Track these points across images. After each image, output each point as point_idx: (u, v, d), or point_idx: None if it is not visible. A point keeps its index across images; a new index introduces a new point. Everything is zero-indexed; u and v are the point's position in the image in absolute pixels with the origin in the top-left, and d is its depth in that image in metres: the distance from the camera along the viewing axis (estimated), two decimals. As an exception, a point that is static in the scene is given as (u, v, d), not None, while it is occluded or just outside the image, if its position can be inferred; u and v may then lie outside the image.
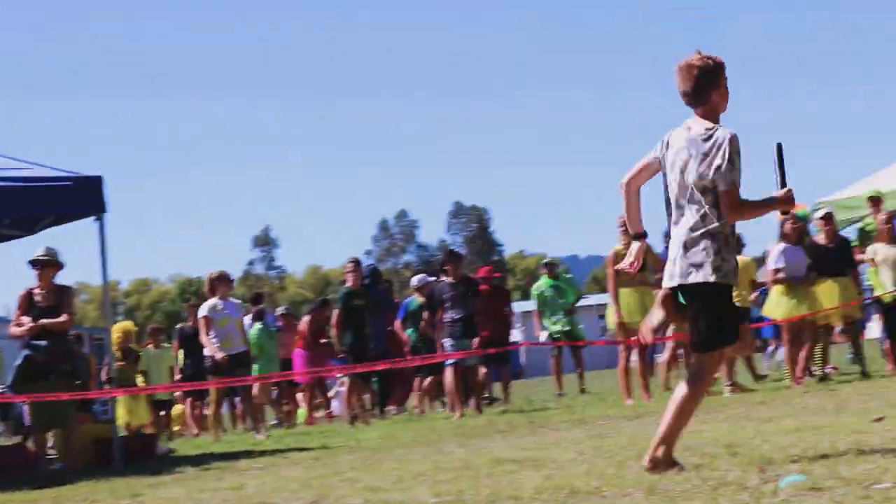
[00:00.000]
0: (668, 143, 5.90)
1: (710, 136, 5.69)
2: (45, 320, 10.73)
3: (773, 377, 16.33)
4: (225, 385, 14.12)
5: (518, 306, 46.99)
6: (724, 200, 5.63)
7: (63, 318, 10.83)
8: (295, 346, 18.17)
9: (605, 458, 6.64)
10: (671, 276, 5.76)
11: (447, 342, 14.39)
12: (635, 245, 6.13)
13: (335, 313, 15.58)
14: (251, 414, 15.60)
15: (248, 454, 10.64)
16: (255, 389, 15.86)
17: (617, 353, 14.34)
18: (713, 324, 5.66)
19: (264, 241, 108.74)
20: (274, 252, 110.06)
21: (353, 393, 15.33)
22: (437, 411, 16.67)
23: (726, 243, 5.69)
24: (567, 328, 17.96)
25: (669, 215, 5.91)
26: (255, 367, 16.07)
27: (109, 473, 9.64)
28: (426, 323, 15.37)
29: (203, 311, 14.24)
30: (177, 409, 19.08)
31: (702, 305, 5.68)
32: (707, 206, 5.67)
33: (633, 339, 13.33)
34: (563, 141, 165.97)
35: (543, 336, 19.22)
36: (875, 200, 14.90)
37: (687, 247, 5.68)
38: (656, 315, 6.41)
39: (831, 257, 13.71)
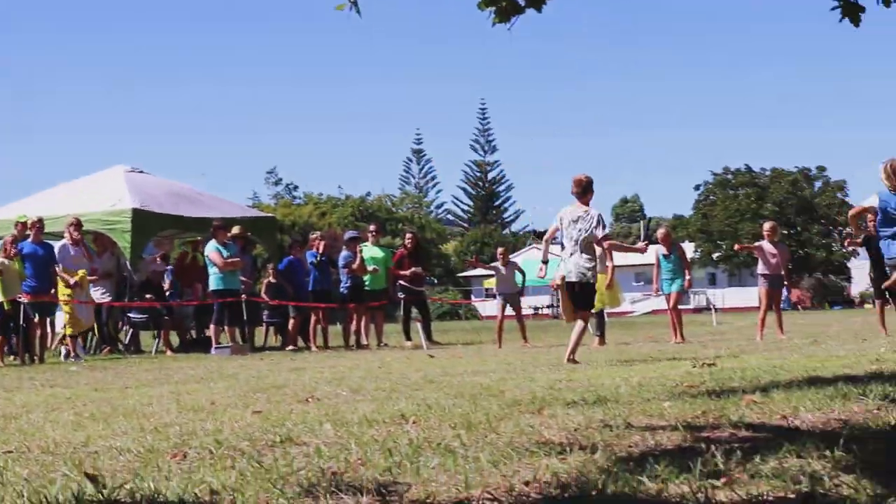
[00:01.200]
0: (563, 216, 10.94)
1: (589, 213, 10.78)
2: None
3: None
4: None
5: None
6: (603, 241, 10.99)
7: None
8: None
9: None
10: (570, 275, 10.70)
11: None
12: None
13: None
14: None
15: None
16: None
17: None
18: (591, 299, 10.86)
19: None
20: None
21: None
22: None
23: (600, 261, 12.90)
24: None
25: (563, 248, 10.85)
26: None
27: None
28: None
29: None
30: None
31: (588, 290, 10.76)
32: (588, 246, 10.72)
33: None
34: None
35: None
36: (22, 224, 16.31)
37: (579, 264, 10.66)
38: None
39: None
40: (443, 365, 11.00)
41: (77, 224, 16.88)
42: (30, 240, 15.99)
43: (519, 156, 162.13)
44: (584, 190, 10.89)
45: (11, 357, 15.66)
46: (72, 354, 16.14)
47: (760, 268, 16.44)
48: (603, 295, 16.45)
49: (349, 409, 6.15)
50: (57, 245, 16.65)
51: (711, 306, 36.96)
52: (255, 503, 3.45)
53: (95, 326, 17.68)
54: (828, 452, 3.78)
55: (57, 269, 16.27)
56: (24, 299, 15.41)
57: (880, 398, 5.38)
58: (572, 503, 3.22)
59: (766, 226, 17.16)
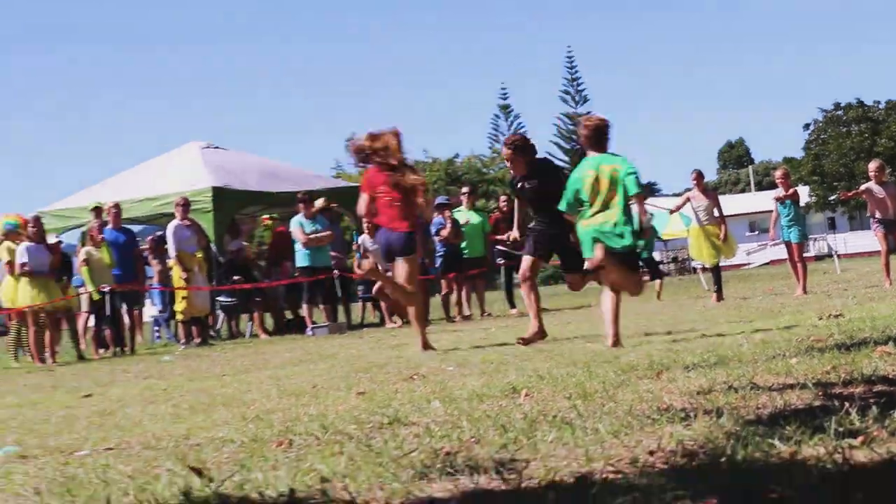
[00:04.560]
0: None
1: None
2: None
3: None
4: None
5: None
6: None
7: None
8: None
9: None
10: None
11: None
12: None
13: None
14: None
15: None
16: None
17: None
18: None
19: None
20: None
21: None
22: None
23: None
24: None
25: None
26: None
27: None
28: None
29: None
30: None
31: None
32: None
33: None
34: None
35: None
36: (97, 210, 16.79)
37: None
38: None
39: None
40: (551, 332, 10.80)
41: (185, 204, 16.57)
42: (109, 226, 16.21)
43: (612, 103, 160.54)
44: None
45: (102, 350, 15.96)
46: (182, 340, 16.38)
47: (872, 211, 16.14)
48: (718, 247, 16.30)
49: (457, 385, 6.18)
50: (170, 227, 16.49)
51: (833, 253, 36.23)
52: (368, 489, 3.43)
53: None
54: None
55: (171, 251, 16.31)
56: (108, 289, 15.59)
57: None
58: (701, 471, 3.21)
59: (872, 165, 16.74)
